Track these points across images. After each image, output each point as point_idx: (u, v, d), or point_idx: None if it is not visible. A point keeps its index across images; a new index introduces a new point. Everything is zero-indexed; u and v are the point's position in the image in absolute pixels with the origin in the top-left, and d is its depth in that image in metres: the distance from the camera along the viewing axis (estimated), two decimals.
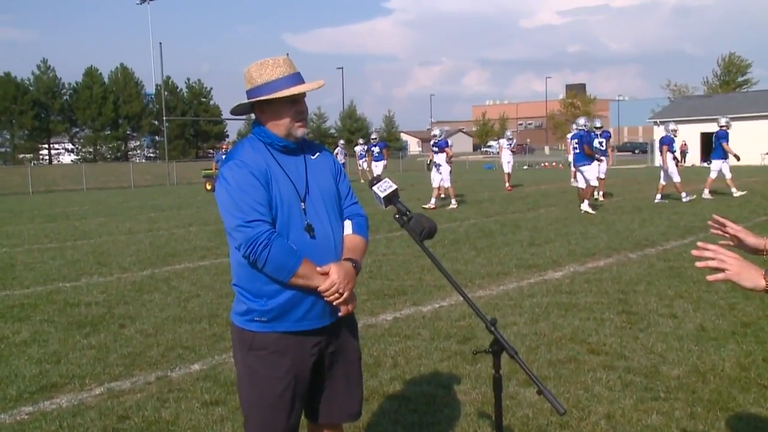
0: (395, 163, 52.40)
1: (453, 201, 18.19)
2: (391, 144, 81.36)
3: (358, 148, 32.61)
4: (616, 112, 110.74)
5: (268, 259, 2.59)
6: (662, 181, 17.58)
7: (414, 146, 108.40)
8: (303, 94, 2.81)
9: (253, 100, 2.77)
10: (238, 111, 2.90)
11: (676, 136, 17.87)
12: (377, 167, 26.12)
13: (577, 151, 16.06)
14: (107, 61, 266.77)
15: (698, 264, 2.24)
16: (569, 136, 26.42)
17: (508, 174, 24.78)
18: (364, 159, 30.18)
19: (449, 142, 18.56)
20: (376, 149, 26.56)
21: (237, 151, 2.78)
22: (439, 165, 18.15)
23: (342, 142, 34.46)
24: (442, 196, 18.69)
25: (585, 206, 15.43)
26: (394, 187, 2.79)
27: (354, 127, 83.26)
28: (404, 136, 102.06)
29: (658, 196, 17.53)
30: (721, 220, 2.59)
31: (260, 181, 2.67)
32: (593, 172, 15.85)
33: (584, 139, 16.01)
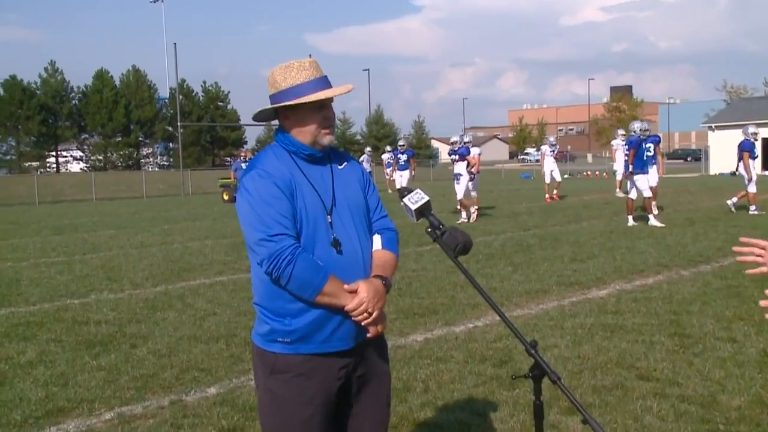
0: (425, 171, 52.46)
1: (464, 215, 17.79)
2: (420, 152, 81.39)
3: (385, 156, 32.51)
4: (666, 117, 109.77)
5: (292, 275, 2.61)
6: (751, 189, 17.21)
7: (445, 154, 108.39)
8: (330, 100, 2.84)
9: (277, 105, 2.81)
10: (260, 117, 2.94)
11: (756, 140, 17.30)
12: (402, 177, 25.82)
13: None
14: (118, 63, 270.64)
15: (738, 259, 2.46)
16: (615, 142, 26.26)
17: (550, 183, 24.44)
18: (391, 167, 30.18)
19: (474, 150, 18.32)
20: (403, 157, 26.20)
21: (259, 159, 2.82)
22: (459, 175, 17.79)
23: (369, 149, 34.59)
24: (476, 207, 18.51)
25: (652, 220, 15.30)
26: (426, 198, 2.81)
27: (381, 134, 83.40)
28: (435, 143, 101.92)
29: (752, 208, 17.15)
30: (750, 240, 2.55)
31: (284, 192, 2.70)
32: (645, 182, 15.62)
33: (632, 144, 15.79)
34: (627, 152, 15.91)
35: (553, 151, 24.67)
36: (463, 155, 17.88)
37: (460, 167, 17.91)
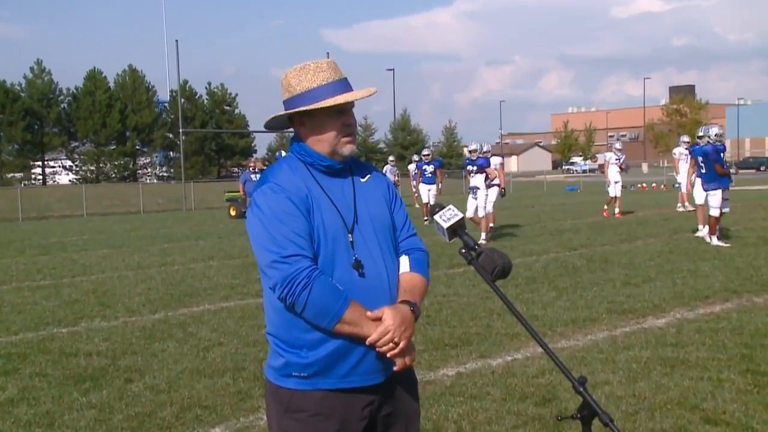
0: (457, 184, 52.42)
1: (483, 235, 17.54)
2: (451, 161, 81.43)
3: (411, 167, 32.29)
4: (735, 120, 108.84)
5: (308, 301, 2.64)
6: None
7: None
8: (351, 104, 2.88)
9: (292, 111, 2.85)
10: (273, 125, 2.98)
11: None
12: (429, 192, 25.45)
13: (704, 170, 15.54)
14: (113, 62, 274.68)
15: None
16: (677, 150, 25.82)
17: (615, 197, 23.96)
18: (416, 180, 30.13)
19: (494, 160, 18.18)
20: (429, 168, 25.83)
21: (272, 172, 2.86)
22: (476, 189, 17.59)
23: (392, 159, 34.56)
24: (491, 225, 18.32)
25: (714, 240, 15.14)
26: (460, 215, 2.84)
27: (407, 141, 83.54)
28: (468, 152, 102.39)
29: None
30: None
31: (300, 208, 2.74)
32: (718, 199, 15.15)
33: (711, 156, 15.24)
34: (703, 163, 15.46)
35: (619, 159, 24.02)
36: (482, 167, 17.62)
37: (478, 180, 17.69)
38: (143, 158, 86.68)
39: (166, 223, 30.17)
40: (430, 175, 25.45)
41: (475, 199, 17.61)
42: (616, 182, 23.87)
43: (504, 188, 18.97)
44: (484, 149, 18.15)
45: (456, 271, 12.56)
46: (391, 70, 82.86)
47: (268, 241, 2.69)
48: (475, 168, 17.78)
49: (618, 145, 24.71)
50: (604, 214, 24.03)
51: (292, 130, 2.96)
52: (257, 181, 2.91)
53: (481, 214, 17.66)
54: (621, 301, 9.68)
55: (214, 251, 17.64)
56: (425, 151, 27.20)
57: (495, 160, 18.57)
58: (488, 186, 17.83)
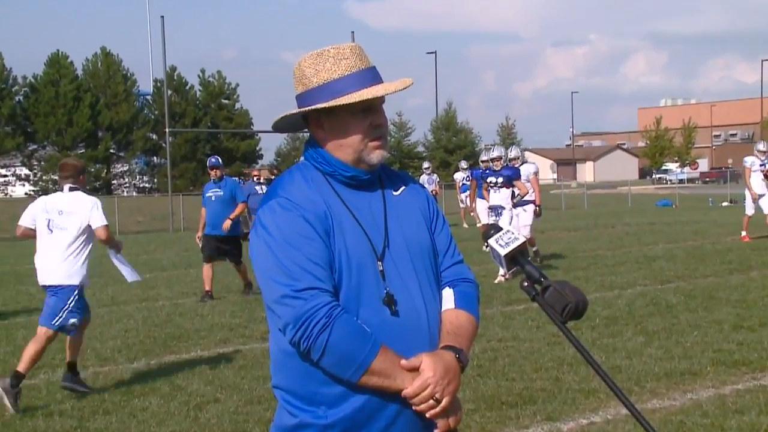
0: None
1: (502, 271, 16.87)
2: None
3: (459, 175, 31.95)
4: None
5: (327, 346, 2.67)
6: None
7: (545, 171, 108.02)
8: (381, 100, 2.93)
9: (307, 109, 2.90)
10: (283, 125, 3.03)
11: None
12: (501, 216, 24.95)
13: None
14: (82, 43, 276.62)
15: None
16: (749, 160, 25.02)
17: (754, 214, 22.90)
18: (468, 192, 29.72)
19: (527, 168, 17.66)
20: (498, 181, 25.49)
21: (282, 184, 2.91)
22: (500, 209, 16.77)
23: (427, 166, 34.31)
24: (535, 248, 17.96)
25: None
26: (521, 240, 2.87)
27: (453, 144, 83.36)
28: (531, 157, 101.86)
29: None
30: None
31: (317, 230, 2.79)
32: None
33: None
34: None
35: (764, 164, 22.84)
36: (510, 179, 16.82)
37: (502, 197, 16.83)
38: (119, 165, 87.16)
39: (149, 248, 30.34)
40: (498, 183, 24.71)
41: (497, 220, 16.62)
42: (761, 196, 22.56)
43: (540, 206, 18.06)
44: (512, 155, 17.90)
45: (515, 309, 12.54)
46: (432, 53, 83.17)
47: (277, 270, 2.74)
48: (499, 181, 16.91)
49: (762, 146, 23.26)
50: (744, 238, 23.07)
51: (307, 131, 3.00)
52: (264, 195, 2.95)
53: (525, 235, 17.32)
54: (731, 349, 9.60)
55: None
56: (484, 156, 25.11)
57: (528, 169, 17.91)
58: (517, 204, 17.12)
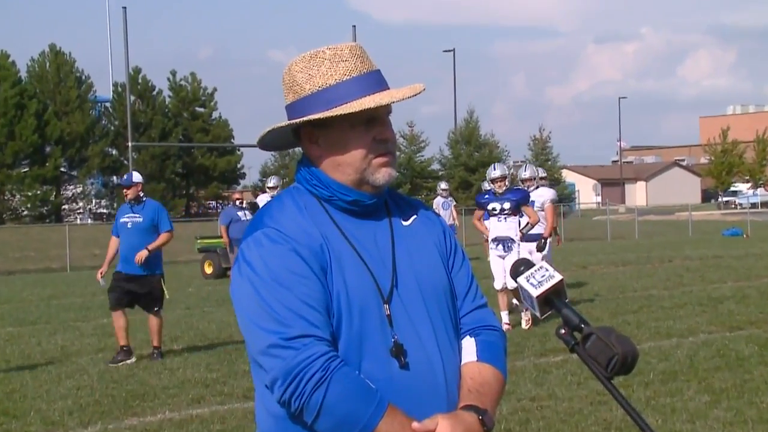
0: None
1: (524, 318, 16.48)
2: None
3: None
4: None
5: (323, 406, 2.66)
6: None
7: (587, 193, 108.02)
8: (386, 109, 2.94)
9: (299, 120, 2.90)
10: (271, 142, 3.04)
11: None
12: (493, 236, 24.72)
13: None
14: (26, 40, 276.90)
15: None
16: None
17: None
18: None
19: (542, 195, 17.51)
20: (502, 207, 25.23)
21: (270, 212, 2.92)
22: (508, 243, 16.28)
23: (445, 186, 34.23)
24: (514, 302, 17.46)
25: None
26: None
27: (475, 160, 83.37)
28: (569, 176, 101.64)
29: None
30: None
31: (311, 266, 2.79)
32: None
33: None
34: None
35: None
36: (519, 204, 16.40)
37: (507, 227, 16.38)
38: (72, 187, 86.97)
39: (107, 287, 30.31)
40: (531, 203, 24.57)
41: (508, 254, 16.30)
42: None
43: (546, 239, 17.41)
44: (525, 176, 17.72)
45: (551, 361, 12.51)
46: (449, 51, 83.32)
47: (263, 315, 2.74)
48: (505, 207, 16.42)
49: None
50: None
51: (299, 148, 3.02)
52: (248, 224, 2.96)
53: (500, 285, 16.54)
54: None
55: (180, 329, 17.71)
56: (497, 172, 24.19)
57: (544, 195, 17.68)
58: (525, 237, 16.69)
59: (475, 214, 18.96)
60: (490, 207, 16.60)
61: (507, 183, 16.69)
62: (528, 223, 16.70)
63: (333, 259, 2.81)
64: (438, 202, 31.35)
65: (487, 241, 16.67)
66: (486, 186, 29.22)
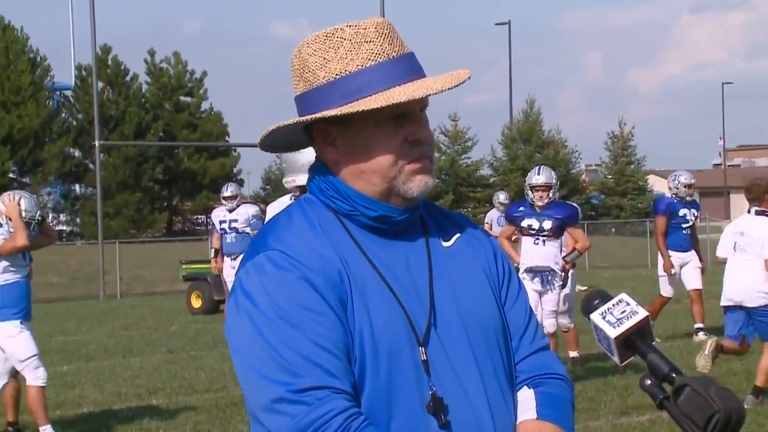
0: (636, 243, 52.01)
1: (573, 354, 16.81)
2: (623, 202, 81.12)
3: None
4: None
5: None
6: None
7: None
8: (422, 103, 2.93)
9: (312, 117, 2.89)
10: (276, 142, 3.07)
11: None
12: (527, 266, 24.63)
13: None
14: None
15: None
16: None
17: None
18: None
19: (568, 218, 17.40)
20: (541, 226, 25.16)
21: (276, 230, 2.92)
22: (548, 275, 15.85)
23: (504, 197, 34.27)
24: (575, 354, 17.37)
25: None
26: (642, 313, 2.84)
27: (537, 163, 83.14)
28: (657, 184, 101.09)
29: None
30: None
31: (327, 300, 2.78)
32: None
33: None
34: None
35: None
36: (564, 223, 16.08)
37: (546, 254, 16.04)
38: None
39: (67, 324, 30.38)
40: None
41: (550, 293, 16.06)
42: None
43: (565, 272, 17.30)
44: (538, 181, 16.19)
45: (634, 421, 12.51)
46: (503, 24, 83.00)
47: (267, 361, 2.72)
48: (545, 226, 16.02)
49: None
50: None
51: (312, 150, 3.03)
52: (248, 247, 2.96)
53: (566, 321, 16.99)
54: None
55: (161, 379, 17.75)
56: (541, 178, 24.06)
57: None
58: (570, 265, 16.52)
59: (503, 231, 17.97)
60: (525, 224, 15.99)
61: (553, 195, 16.16)
62: (575, 250, 16.35)
63: (355, 290, 2.79)
64: (492, 217, 30.83)
65: (517, 269, 15.72)
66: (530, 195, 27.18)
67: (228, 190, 25.73)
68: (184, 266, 34.84)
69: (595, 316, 2.85)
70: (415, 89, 2.84)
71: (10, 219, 11.77)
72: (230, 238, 24.52)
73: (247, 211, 25.55)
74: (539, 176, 16.16)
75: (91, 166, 73.61)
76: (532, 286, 15.65)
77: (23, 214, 11.80)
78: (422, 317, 2.86)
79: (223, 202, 25.42)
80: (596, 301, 2.87)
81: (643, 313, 2.83)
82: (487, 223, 29.88)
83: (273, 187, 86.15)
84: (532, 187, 15.96)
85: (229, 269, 24.06)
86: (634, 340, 2.81)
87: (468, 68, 2.93)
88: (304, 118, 2.91)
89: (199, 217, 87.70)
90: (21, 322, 11.84)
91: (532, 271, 15.88)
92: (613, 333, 2.81)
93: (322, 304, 2.76)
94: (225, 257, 24.69)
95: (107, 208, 65.38)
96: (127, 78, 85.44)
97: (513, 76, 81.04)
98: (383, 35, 2.91)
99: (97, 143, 50.92)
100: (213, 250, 25.28)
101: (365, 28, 2.91)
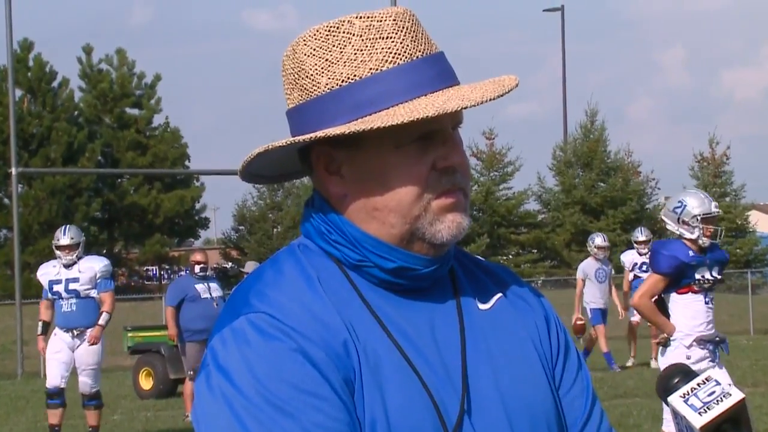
0: (734, 302, 52.29)
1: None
2: (729, 250, 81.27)
3: (628, 258, 31.76)
4: None
5: None
6: None
7: None
8: (455, 119, 2.90)
9: (310, 137, 2.84)
10: (261, 169, 3.05)
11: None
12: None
13: None
14: None
15: None
16: None
17: None
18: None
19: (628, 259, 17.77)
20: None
21: (260, 284, 2.89)
22: (713, 343, 15.55)
23: (601, 241, 34.33)
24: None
25: None
26: (738, 395, 2.87)
27: (602, 195, 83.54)
28: (761, 221, 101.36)
29: None
30: None
31: (329, 378, 2.74)
32: None
33: None
34: None
35: None
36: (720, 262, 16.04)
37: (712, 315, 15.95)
38: None
39: None
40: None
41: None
42: None
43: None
44: (640, 238, 17.16)
45: None
46: (554, 10, 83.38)
47: None
48: (709, 280, 15.81)
49: None
50: None
51: (309, 180, 3.01)
52: (225, 306, 2.94)
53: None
54: None
55: None
56: (642, 235, 25.25)
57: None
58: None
59: (650, 287, 16.32)
60: (699, 276, 15.55)
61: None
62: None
63: (365, 367, 2.74)
64: (588, 269, 29.95)
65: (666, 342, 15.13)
66: (639, 236, 28.21)
67: (65, 236, 24.63)
68: (129, 334, 34.77)
69: (675, 399, 2.82)
70: (447, 100, 2.75)
71: None
72: (67, 305, 23.55)
73: (92, 266, 24.70)
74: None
75: (6, 201, 74.03)
76: (701, 365, 14.71)
77: None
78: (453, 403, 2.82)
79: (58, 253, 24.44)
80: (676, 380, 2.85)
81: (738, 395, 2.79)
82: (583, 276, 28.55)
83: (248, 228, 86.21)
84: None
85: (65, 350, 23.47)
86: (727, 429, 2.79)
87: (511, 72, 2.84)
88: (300, 138, 2.83)
89: (150, 268, 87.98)
90: None
91: (703, 342, 15.47)
92: (698, 421, 2.77)
93: (323, 385, 2.70)
94: (59, 331, 23.78)
95: (26, 257, 65.49)
96: (55, 83, 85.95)
97: (567, 79, 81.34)
98: (404, 30, 2.82)
99: (13, 171, 50.94)
100: (40, 324, 24.21)
101: (380, 20, 2.81)
